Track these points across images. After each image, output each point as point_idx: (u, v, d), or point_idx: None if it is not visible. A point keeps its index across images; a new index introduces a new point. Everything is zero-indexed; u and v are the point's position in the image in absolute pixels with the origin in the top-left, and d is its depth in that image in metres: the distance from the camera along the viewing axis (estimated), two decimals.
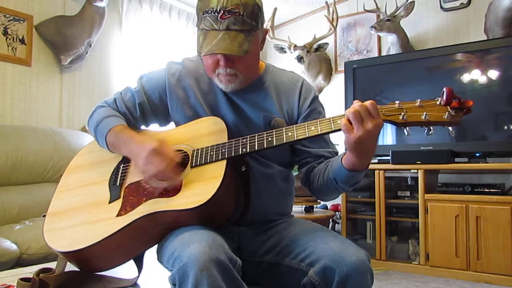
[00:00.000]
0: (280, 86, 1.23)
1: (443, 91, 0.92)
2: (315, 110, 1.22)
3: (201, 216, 0.98)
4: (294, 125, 1.03)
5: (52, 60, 3.00)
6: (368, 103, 0.93)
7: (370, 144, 0.96)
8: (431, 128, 0.96)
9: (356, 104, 0.94)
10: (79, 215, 1.10)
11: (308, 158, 1.20)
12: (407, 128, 0.97)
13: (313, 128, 1.00)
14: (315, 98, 1.24)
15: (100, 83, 3.29)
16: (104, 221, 1.05)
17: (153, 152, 1.03)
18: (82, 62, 3.12)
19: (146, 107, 1.23)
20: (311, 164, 1.19)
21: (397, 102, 0.96)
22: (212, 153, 1.05)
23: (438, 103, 0.94)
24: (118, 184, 1.12)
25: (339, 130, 0.97)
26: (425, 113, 0.93)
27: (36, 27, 2.89)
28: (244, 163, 1.08)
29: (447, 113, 0.92)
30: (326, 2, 3.68)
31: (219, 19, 1.03)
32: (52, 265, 1.16)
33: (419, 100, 0.95)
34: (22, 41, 2.81)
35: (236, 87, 1.14)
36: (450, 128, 0.96)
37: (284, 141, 1.01)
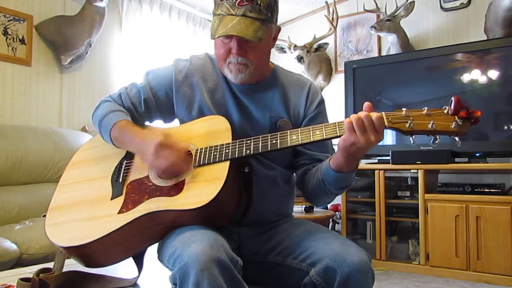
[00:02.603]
0: (288, 87, 1.23)
1: (451, 100, 0.91)
2: (320, 114, 1.23)
3: (203, 217, 0.98)
4: (299, 129, 1.02)
5: (52, 60, 3.00)
6: (374, 117, 0.93)
7: (364, 151, 0.97)
8: (438, 137, 0.95)
9: (363, 114, 0.94)
10: (81, 211, 1.10)
11: (305, 160, 1.20)
12: (413, 136, 0.96)
13: (318, 132, 0.99)
14: (322, 101, 1.25)
15: (100, 83, 3.29)
16: (106, 217, 1.05)
17: (161, 146, 1.02)
18: (82, 62, 3.12)
19: (151, 103, 1.22)
20: (307, 167, 1.19)
21: (404, 109, 0.95)
22: (215, 153, 1.05)
23: (445, 112, 0.93)
24: (120, 181, 1.12)
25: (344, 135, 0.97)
26: (432, 122, 0.92)
27: (36, 27, 2.89)
28: (247, 164, 1.07)
29: (454, 122, 0.91)
30: (326, 2, 3.68)
31: (236, 5, 1.05)
32: (52, 265, 1.16)
33: (426, 108, 0.94)
34: (22, 41, 2.81)
35: (245, 79, 1.13)
36: (456, 138, 0.95)
37: (289, 145, 1.01)
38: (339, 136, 0.98)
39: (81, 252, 1.06)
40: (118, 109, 1.19)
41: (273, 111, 1.19)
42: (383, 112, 0.96)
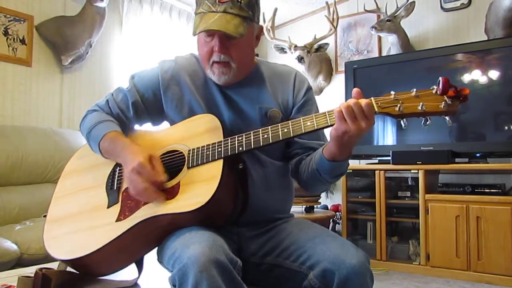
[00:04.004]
0: (274, 78, 1.24)
1: (439, 80, 0.91)
2: (309, 101, 1.23)
3: (201, 218, 0.98)
4: (290, 121, 1.02)
5: (52, 60, 3.00)
6: (364, 103, 0.93)
7: (356, 139, 0.97)
8: (428, 118, 0.94)
9: (352, 101, 0.94)
10: (78, 222, 1.10)
11: (298, 149, 1.20)
12: (404, 119, 0.96)
13: (309, 124, 0.99)
14: (309, 89, 1.25)
15: (101, 84, 3.29)
16: (104, 227, 1.04)
17: (136, 169, 1.00)
18: (83, 62, 3.12)
19: (140, 106, 1.21)
20: (300, 156, 1.19)
21: (392, 93, 0.95)
22: (208, 152, 1.04)
23: (434, 92, 0.92)
24: (115, 188, 1.11)
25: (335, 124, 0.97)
26: (421, 103, 0.92)
27: (36, 27, 2.89)
28: (241, 160, 1.07)
29: (443, 102, 0.91)
30: (327, 2, 3.68)
31: (217, 2, 1.07)
32: (52, 265, 1.16)
33: (415, 90, 0.94)
34: (22, 41, 2.81)
35: (229, 79, 1.14)
36: (447, 117, 0.95)
37: (280, 138, 1.01)
38: (331, 125, 0.97)
39: (82, 263, 1.06)
40: (106, 119, 1.19)
41: (262, 102, 1.19)
42: (372, 98, 0.95)
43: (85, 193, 1.15)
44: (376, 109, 0.94)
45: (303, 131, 0.99)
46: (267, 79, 1.23)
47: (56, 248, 1.08)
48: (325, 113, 0.99)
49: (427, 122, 0.95)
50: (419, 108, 0.92)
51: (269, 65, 1.28)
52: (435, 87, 0.92)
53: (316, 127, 0.98)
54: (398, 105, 0.93)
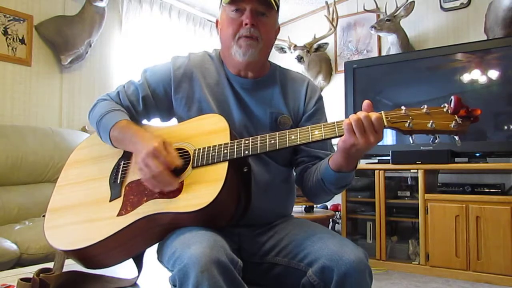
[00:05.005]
0: (287, 83, 1.24)
1: (451, 99, 0.91)
2: (319, 110, 1.24)
3: (202, 219, 0.98)
4: (298, 128, 1.02)
5: (52, 60, 3.00)
6: (374, 118, 0.92)
7: (364, 151, 0.97)
8: (437, 136, 0.94)
9: (362, 114, 0.93)
10: (79, 213, 1.10)
11: (304, 157, 1.20)
12: (413, 135, 0.96)
13: (317, 133, 0.98)
14: (320, 98, 1.26)
15: (100, 83, 3.29)
16: (105, 220, 1.04)
17: (152, 153, 0.99)
18: (82, 62, 3.12)
19: (150, 101, 1.21)
20: (306, 164, 1.19)
21: (403, 108, 0.94)
22: (214, 153, 1.04)
23: (445, 110, 0.92)
24: (118, 182, 1.11)
25: (343, 135, 0.96)
26: (431, 121, 0.92)
27: (36, 27, 2.89)
28: (246, 164, 1.07)
29: (454, 121, 0.91)
30: (326, 2, 3.68)
31: None
32: (52, 265, 1.16)
33: (426, 106, 0.93)
34: (22, 41, 2.81)
35: (254, 56, 1.14)
36: (456, 137, 0.94)
37: (287, 145, 1.00)
38: (338, 136, 0.97)
39: (81, 255, 1.06)
40: (117, 108, 1.18)
41: (274, 107, 1.19)
42: (382, 112, 0.95)
43: (88, 184, 1.15)
44: (386, 123, 0.94)
45: (310, 139, 0.99)
46: (280, 84, 1.23)
47: (56, 238, 1.07)
48: (333, 123, 0.98)
49: (436, 140, 0.94)
50: (429, 126, 0.92)
51: (283, 70, 1.28)
52: (446, 105, 0.92)
53: (323, 137, 0.98)
54: (408, 121, 0.93)
